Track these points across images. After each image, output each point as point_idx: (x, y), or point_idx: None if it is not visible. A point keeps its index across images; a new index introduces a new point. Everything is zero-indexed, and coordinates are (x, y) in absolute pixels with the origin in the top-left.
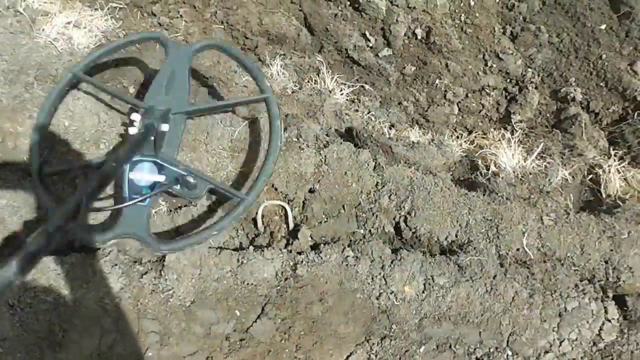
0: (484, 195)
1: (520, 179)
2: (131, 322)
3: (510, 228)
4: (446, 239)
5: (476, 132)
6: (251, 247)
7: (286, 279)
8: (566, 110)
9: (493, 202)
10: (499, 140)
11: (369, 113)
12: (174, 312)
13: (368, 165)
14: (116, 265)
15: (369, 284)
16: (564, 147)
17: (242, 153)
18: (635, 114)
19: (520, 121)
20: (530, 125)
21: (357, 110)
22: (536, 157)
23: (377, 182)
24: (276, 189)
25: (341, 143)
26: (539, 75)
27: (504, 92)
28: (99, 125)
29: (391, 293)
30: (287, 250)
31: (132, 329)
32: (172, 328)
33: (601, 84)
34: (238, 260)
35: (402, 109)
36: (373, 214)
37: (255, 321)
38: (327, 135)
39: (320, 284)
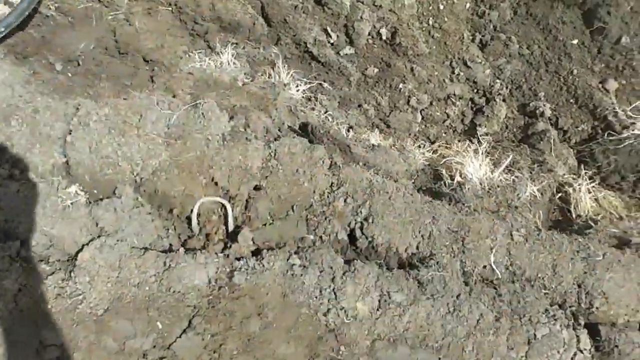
0: (449, 204)
1: (488, 191)
2: (27, 333)
3: (477, 242)
4: (406, 250)
5: (440, 142)
6: (182, 250)
7: (220, 288)
8: (534, 125)
9: (460, 212)
10: (464, 150)
11: (326, 112)
12: (82, 322)
13: (323, 163)
14: (16, 261)
15: (316, 297)
16: (532, 162)
17: (179, 140)
18: (605, 133)
19: (486, 134)
20: (496, 139)
21: (313, 109)
22: (504, 170)
23: (332, 183)
24: (216, 184)
25: (294, 137)
26: (507, 87)
27: (470, 102)
28: (12, 99)
29: (341, 309)
30: (224, 254)
31: (27, 341)
32: (78, 341)
33: (571, 100)
34: (165, 264)
35: (362, 112)
36: (326, 218)
37: (180, 336)
38: (279, 130)
39: (260, 296)
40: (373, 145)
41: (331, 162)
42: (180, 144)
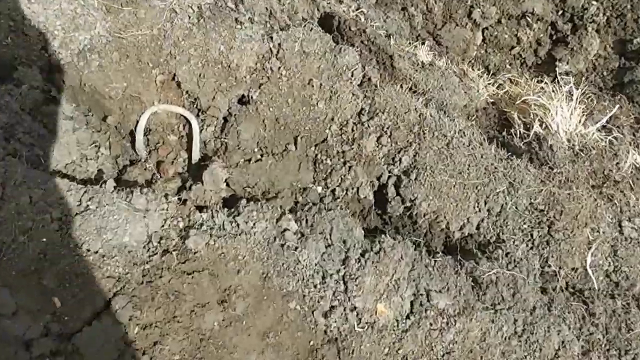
0: (533, 166)
1: (578, 153)
2: None
3: (571, 231)
4: (461, 229)
5: (502, 76)
6: (111, 183)
7: (166, 253)
8: (634, 70)
9: (549, 180)
10: (540, 91)
11: (358, 10)
12: None
13: (352, 75)
14: None
15: (316, 286)
16: (636, 120)
17: (128, 7)
18: None
19: (567, 73)
20: (577, 81)
21: (341, 1)
22: (599, 127)
23: (363, 109)
24: (179, 85)
25: (312, 29)
26: (604, 14)
27: (550, 27)
28: None
29: (352, 310)
30: (179, 199)
31: None
32: None
33: None
34: (81, 202)
35: (406, 18)
36: (345, 163)
37: (90, 323)
38: (288, 18)
39: (228, 273)
40: (423, 63)
41: (364, 76)
42: (128, 13)
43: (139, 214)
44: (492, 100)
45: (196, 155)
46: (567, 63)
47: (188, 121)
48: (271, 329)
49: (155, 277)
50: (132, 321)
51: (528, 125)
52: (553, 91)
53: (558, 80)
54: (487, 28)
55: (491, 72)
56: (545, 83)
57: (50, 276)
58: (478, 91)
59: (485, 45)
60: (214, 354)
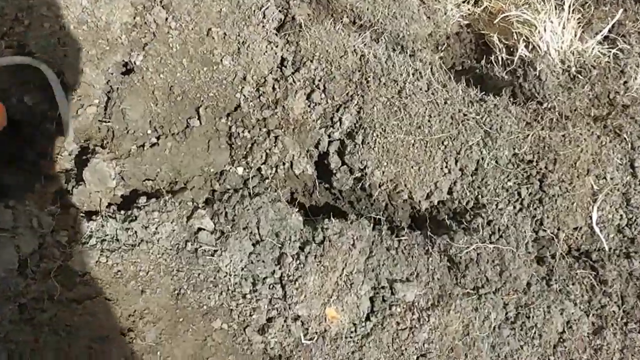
0: (515, 104)
1: (575, 77)
2: None
3: (570, 182)
4: (428, 197)
5: None
6: None
7: (46, 279)
8: None
9: (537, 121)
10: (526, 3)
11: None
12: None
13: (266, 16)
14: None
15: (245, 297)
16: None
17: None
18: None
19: None
20: None
21: None
22: (601, 38)
23: (285, 60)
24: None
25: None
26: None
27: None
28: None
29: (295, 320)
30: (58, 207)
31: None
32: None
33: None
34: None
35: None
36: (268, 133)
37: None
38: None
39: (130, 296)
40: None
41: (285, 16)
42: None
43: (5, 234)
44: (466, 22)
45: (70, 144)
46: None
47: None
48: (194, 356)
49: (37, 312)
50: None
51: (512, 49)
52: (541, 1)
53: None
54: None
55: None
56: None
57: None
58: (446, 13)
59: None
60: None
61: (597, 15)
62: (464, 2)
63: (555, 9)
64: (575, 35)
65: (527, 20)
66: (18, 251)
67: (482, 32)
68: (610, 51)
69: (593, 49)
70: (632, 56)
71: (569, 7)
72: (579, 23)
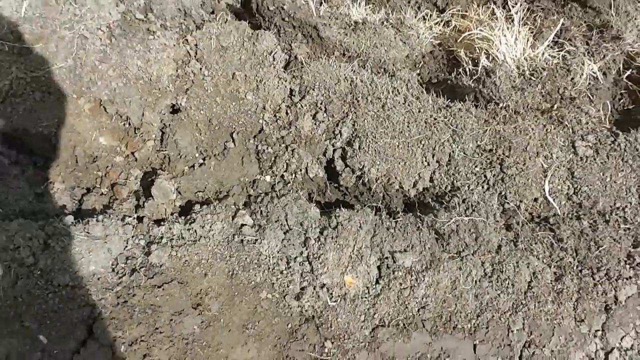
0: (476, 107)
1: (530, 79)
2: None
3: (523, 163)
4: (415, 185)
5: (452, 10)
6: (69, 219)
7: (134, 272)
8: None
9: (493, 118)
10: (489, 19)
11: None
12: None
13: (275, 59)
14: None
15: (282, 273)
16: (588, 27)
17: (38, 43)
18: None
19: None
20: None
21: None
22: (551, 44)
23: (293, 90)
24: (105, 109)
25: (227, 21)
26: None
27: None
28: None
29: (322, 287)
30: (136, 218)
31: None
32: None
33: None
34: (45, 242)
35: None
36: (286, 148)
37: (78, 351)
38: (201, 5)
39: (196, 279)
40: (355, 23)
41: (289, 56)
42: (40, 50)
43: (99, 241)
44: (438, 42)
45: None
46: None
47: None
48: (248, 320)
49: (129, 296)
50: (117, 341)
51: (476, 61)
52: (496, 19)
53: (507, 2)
54: None
55: (440, 9)
56: (496, 7)
57: (30, 317)
58: (418, 37)
59: None
60: (200, 355)
61: (546, 25)
62: (436, 24)
63: (508, 22)
64: (528, 44)
65: (485, 37)
66: (110, 253)
67: (452, 48)
68: (559, 53)
69: (543, 53)
70: (578, 56)
71: (518, 21)
72: (531, 32)
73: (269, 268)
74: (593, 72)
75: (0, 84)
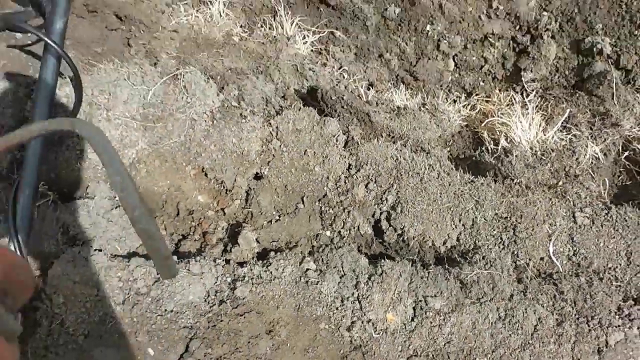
0: (495, 182)
1: (541, 158)
2: None
3: (532, 229)
4: (444, 243)
5: (477, 95)
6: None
7: (222, 303)
8: (591, 66)
9: (509, 192)
10: (508, 104)
11: (340, 68)
12: (59, 351)
13: (337, 140)
14: None
15: (337, 309)
16: (592, 114)
17: (159, 123)
18: None
19: (533, 80)
20: (545, 86)
21: (324, 65)
22: (559, 128)
23: (350, 165)
24: (206, 175)
25: (300, 109)
26: (556, 21)
27: (512, 42)
28: None
29: (368, 322)
30: (224, 260)
31: None
32: None
33: (636, 32)
34: (153, 275)
35: (383, 63)
36: (344, 210)
37: None
38: (282, 97)
39: (270, 310)
40: (398, 108)
41: (347, 137)
42: (160, 128)
43: (197, 277)
44: (465, 124)
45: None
46: (531, 71)
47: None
48: (309, 346)
49: (217, 321)
50: (206, 357)
51: (497, 141)
52: (515, 103)
53: (525, 88)
54: (456, 55)
55: (468, 92)
56: (515, 93)
57: (142, 334)
58: (449, 120)
59: (457, 69)
60: None
61: (556, 112)
62: (463, 106)
63: (524, 109)
64: (540, 128)
65: (503, 122)
66: (204, 286)
67: (477, 130)
68: (567, 137)
69: (553, 137)
70: (582, 139)
71: (532, 110)
72: (543, 118)
73: (327, 304)
74: (595, 153)
75: (130, 152)
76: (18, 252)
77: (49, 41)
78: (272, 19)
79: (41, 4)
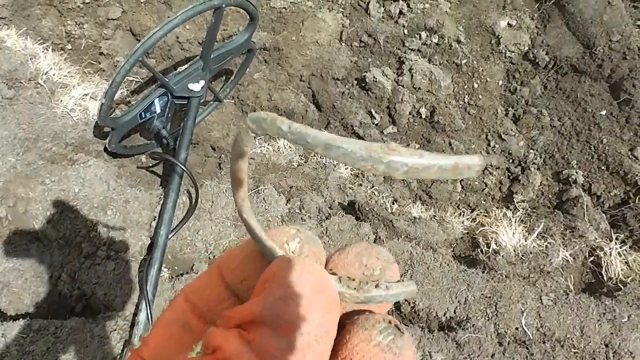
0: (483, 272)
1: (521, 258)
2: None
3: (509, 306)
4: (445, 314)
5: (479, 210)
6: None
7: None
8: (568, 191)
9: (492, 279)
10: (501, 218)
11: (372, 188)
12: None
13: (368, 238)
14: (115, 330)
15: None
16: (565, 228)
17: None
18: (637, 198)
19: (523, 201)
20: (532, 205)
21: (360, 185)
22: (537, 237)
23: None
24: None
25: (343, 216)
26: (541, 157)
27: (506, 172)
28: (107, 192)
29: None
30: None
31: None
32: None
33: (602, 167)
34: None
35: (405, 185)
36: None
37: None
38: (330, 207)
39: None
40: (414, 217)
41: (376, 236)
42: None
43: None
44: (467, 231)
45: None
46: (521, 194)
47: None
48: None
49: None
50: None
51: (489, 244)
52: (505, 218)
53: (516, 207)
54: (462, 180)
55: (472, 208)
56: (508, 210)
57: None
58: (453, 228)
59: (464, 191)
60: None
61: (537, 224)
62: (467, 219)
63: (510, 224)
64: (522, 237)
65: (494, 231)
66: None
67: (475, 236)
68: (543, 244)
69: (532, 243)
70: (555, 246)
71: (515, 222)
72: (524, 229)
73: None
74: (565, 257)
75: (221, 241)
76: (148, 314)
77: (179, 164)
78: None
79: (162, 139)
